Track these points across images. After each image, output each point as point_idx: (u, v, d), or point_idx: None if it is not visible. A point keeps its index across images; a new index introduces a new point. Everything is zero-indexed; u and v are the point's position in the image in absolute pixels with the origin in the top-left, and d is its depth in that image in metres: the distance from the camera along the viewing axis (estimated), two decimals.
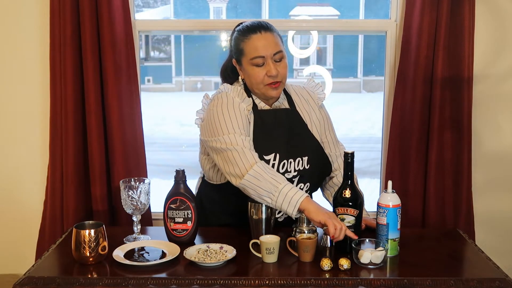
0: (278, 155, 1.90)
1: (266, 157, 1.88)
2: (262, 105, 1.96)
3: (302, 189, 1.94)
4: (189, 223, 1.84)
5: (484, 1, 2.50)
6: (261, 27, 1.91)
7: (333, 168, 2.07)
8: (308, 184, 1.97)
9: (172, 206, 1.84)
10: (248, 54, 1.89)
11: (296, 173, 1.92)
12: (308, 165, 1.95)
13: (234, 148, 1.80)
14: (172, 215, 1.84)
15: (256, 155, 1.81)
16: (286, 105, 2.00)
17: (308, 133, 1.99)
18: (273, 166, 1.88)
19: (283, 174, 1.88)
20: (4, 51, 2.58)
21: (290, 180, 1.89)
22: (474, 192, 2.56)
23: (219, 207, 2.04)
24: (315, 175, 1.99)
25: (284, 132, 1.94)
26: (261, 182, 1.74)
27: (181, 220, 1.84)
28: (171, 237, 1.85)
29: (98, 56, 2.44)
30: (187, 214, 1.83)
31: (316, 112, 2.05)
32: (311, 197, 2.03)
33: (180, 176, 1.84)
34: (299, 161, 1.93)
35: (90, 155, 2.48)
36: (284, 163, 1.90)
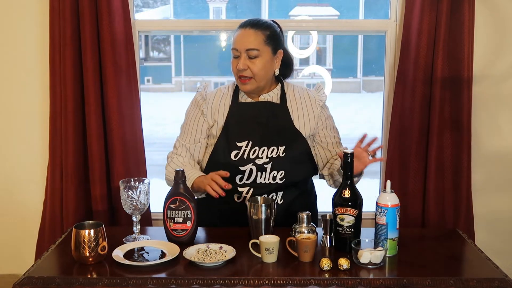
0: (251, 142, 2.03)
1: (239, 144, 2.03)
2: (245, 97, 2.10)
3: (275, 176, 2.02)
4: (189, 223, 1.84)
5: (484, 1, 2.50)
6: (248, 24, 2.04)
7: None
8: (282, 171, 2.03)
9: (172, 206, 1.84)
10: (232, 44, 2.05)
11: (268, 160, 2.02)
12: (284, 154, 2.02)
13: (174, 153, 2.12)
14: (172, 215, 1.84)
15: (184, 162, 2.09)
16: (276, 100, 2.10)
17: (291, 127, 2.06)
18: (244, 152, 2.02)
19: (253, 159, 2.01)
20: (4, 51, 2.58)
21: (262, 166, 2.01)
22: (474, 192, 2.57)
23: (201, 206, 2.08)
24: (289, 164, 2.03)
25: (261, 123, 2.05)
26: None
27: (180, 220, 1.84)
28: (171, 237, 1.85)
29: (98, 56, 2.44)
30: (187, 214, 1.83)
31: (315, 111, 2.10)
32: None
33: (179, 176, 1.85)
34: (273, 149, 2.02)
35: (90, 155, 2.48)
36: (255, 150, 2.02)
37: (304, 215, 1.87)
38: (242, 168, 2.01)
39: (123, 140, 2.48)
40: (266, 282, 1.59)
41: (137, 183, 1.89)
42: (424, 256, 1.80)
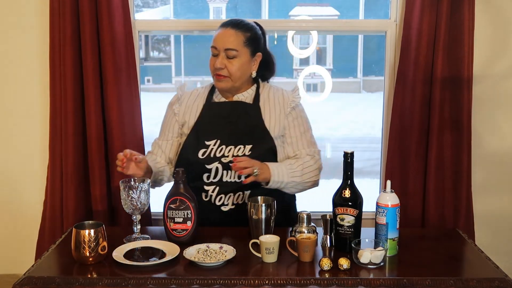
0: (218, 141, 2.06)
1: (207, 142, 2.06)
2: (219, 97, 2.14)
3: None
4: (189, 223, 1.84)
5: (484, 1, 2.50)
6: (230, 23, 2.08)
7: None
8: None
9: (172, 206, 1.84)
10: (212, 42, 2.08)
11: (233, 158, 2.01)
12: (250, 153, 2.03)
13: (148, 152, 2.21)
14: (172, 215, 1.84)
15: (156, 160, 2.15)
16: (249, 100, 2.12)
17: (261, 126, 2.08)
18: (211, 150, 2.05)
19: (219, 158, 2.03)
20: (4, 51, 2.58)
21: (227, 165, 2.02)
22: (474, 192, 2.57)
23: None
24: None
25: (231, 122, 2.08)
26: None
27: (180, 220, 1.84)
28: (171, 237, 1.86)
29: (98, 56, 2.44)
30: (187, 214, 1.83)
31: (285, 111, 2.11)
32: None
33: (180, 176, 1.85)
34: (240, 148, 2.04)
35: (90, 155, 2.48)
36: (222, 148, 2.05)
37: (304, 215, 1.88)
38: (208, 166, 2.03)
39: (123, 140, 2.48)
40: (266, 282, 1.59)
41: (137, 183, 1.89)
42: (424, 256, 1.80)
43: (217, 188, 2.04)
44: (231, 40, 2.04)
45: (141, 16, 2.90)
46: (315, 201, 2.54)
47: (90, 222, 1.77)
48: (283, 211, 2.02)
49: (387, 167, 2.54)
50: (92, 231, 1.69)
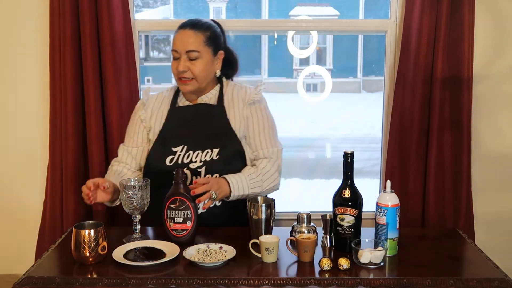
0: (185, 147, 2.03)
1: (174, 149, 2.03)
2: (184, 101, 2.10)
3: None
4: (189, 223, 1.84)
5: (484, 1, 2.50)
6: (188, 24, 2.03)
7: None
8: (216, 174, 2.01)
9: (172, 206, 1.84)
10: (171, 45, 2.04)
11: (201, 164, 2.00)
12: (217, 156, 2.01)
13: (115, 160, 2.16)
14: (172, 215, 1.84)
15: (118, 168, 2.11)
16: (213, 101, 2.09)
17: (227, 128, 2.05)
18: (178, 157, 2.02)
19: (187, 164, 2.00)
20: (4, 51, 2.58)
21: (195, 170, 2.00)
22: (474, 192, 2.57)
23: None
24: (223, 167, 2.01)
25: (197, 126, 2.05)
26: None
27: (180, 220, 1.84)
28: (171, 237, 1.85)
29: (98, 56, 2.44)
30: (187, 214, 1.83)
31: (246, 110, 2.08)
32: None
33: (179, 176, 1.85)
34: (207, 152, 2.02)
35: (90, 155, 2.48)
36: (189, 154, 2.02)
37: (304, 215, 1.88)
38: None
39: (123, 140, 2.48)
40: (266, 282, 1.59)
41: (137, 183, 1.89)
42: (424, 256, 1.80)
43: None
44: (191, 41, 2.00)
45: (141, 16, 2.90)
46: (315, 201, 2.54)
47: (90, 222, 1.77)
48: (236, 210, 2.01)
49: (387, 167, 2.54)
50: (92, 231, 1.69)
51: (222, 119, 2.06)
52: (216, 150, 2.02)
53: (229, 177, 1.96)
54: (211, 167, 2.01)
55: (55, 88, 2.47)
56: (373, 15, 3.17)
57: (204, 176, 2.00)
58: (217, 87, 2.12)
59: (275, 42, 3.09)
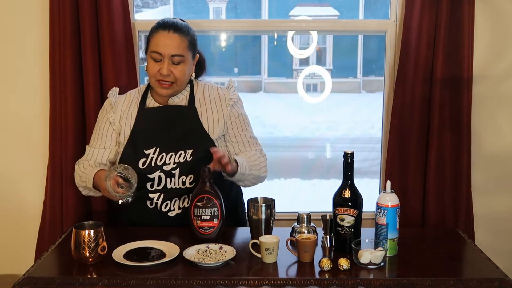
0: (158, 148, 2.00)
1: (146, 151, 2.01)
2: (153, 102, 2.08)
3: (184, 181, 2.00)
4: (216, 221, 1.85)
5: (484, 1, 2.50)
6: (171, 27, 1.99)
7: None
8: (191, 176, 2.01)
9: (199, 204, 1.85)
10: (150, 46, 2.00)
11: (175, 165, 1.99)
12: (191, 158, 2.00)
13: (81, 159, 2.14)
14: (199, 213, 1.85)
15: (91, 169, 2.05)
16: (184, 102, 2.07)
17: (199, 129, 2.04)
18: (151, 159, 1.99)
19: (161, 166, 1.99)
20: (4, 51, 2.58)
21: (170, 172, 1.98)
22: (474, 192, 2.57)
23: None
24: (197, 168, 1.97)
25: (169, 127, 2.02)
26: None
27: (207, 217, 1.85)
28: (198, 235, 1.86)
29: (97, 56, 2.44)
30: (214, 211, 1.84)
31: (224, 111, 2.08)
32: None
33: (206, 175, 1.85)
34: (181, 154, 2.00)
35: None
36: (162, 156, 2.00)
37: (304, 215, 1.88)
38: (150, 176, 1.99)
39: None
40: (266, 282, 1.59)
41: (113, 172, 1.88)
42: (424, 256, 1.80)
43: (162, 195, 2.01)
44: (177, 46, 1.98)
45: (141, 16, 2.89)
46: (315, 201, 2.54)
47: (90, 222, 1.77)
48: (232, 206, 2.02)
49: (387, 167, 2.54)
50: (92, 231, 1.69)
51: (194, 120, 2.05)
52: (189, 151, 2.00)
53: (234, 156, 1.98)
54: (185, 169, 2.00)
55: (55, 88, 2.47)
56: (373, 15, 3.17)
57: (179, 178, 1.99)
58: (188, 88, 2.11)
59: (275, 42, 3.08)
